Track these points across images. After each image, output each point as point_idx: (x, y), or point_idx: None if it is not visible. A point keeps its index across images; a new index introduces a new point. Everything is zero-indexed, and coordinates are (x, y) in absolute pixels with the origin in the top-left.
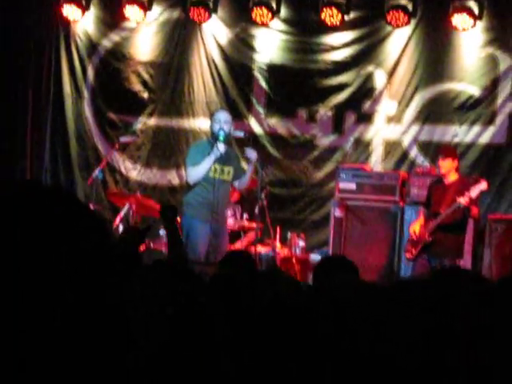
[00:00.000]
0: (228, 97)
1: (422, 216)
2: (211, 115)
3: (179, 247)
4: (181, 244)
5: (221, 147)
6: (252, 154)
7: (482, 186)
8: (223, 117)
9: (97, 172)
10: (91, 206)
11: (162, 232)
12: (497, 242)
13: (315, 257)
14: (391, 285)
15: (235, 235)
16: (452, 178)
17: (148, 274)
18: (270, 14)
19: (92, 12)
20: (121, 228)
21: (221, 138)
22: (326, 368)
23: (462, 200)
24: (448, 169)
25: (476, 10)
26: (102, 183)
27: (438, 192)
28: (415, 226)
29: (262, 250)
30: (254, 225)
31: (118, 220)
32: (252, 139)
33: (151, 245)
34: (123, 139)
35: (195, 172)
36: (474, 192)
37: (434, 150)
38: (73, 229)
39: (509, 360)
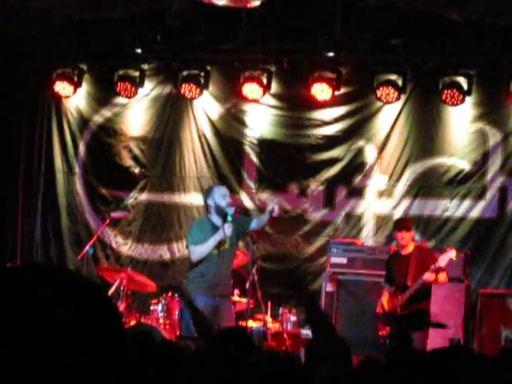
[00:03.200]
0: (219, 172)
1: (385, 292)
2: (209, 189)
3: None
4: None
5: (227, 230)
6: (275, 206)
7: (451, 254)
8: (225, 192)
9: (88, 247)
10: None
11: (153, 307)
12: (488, 317)
13: (306, 332)
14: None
15: None
16: (410, 248)
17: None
18: (260, 90)
19: (84, 88)
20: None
21: (229, 218)
22: None
23: (428, 277)
24: (409, 240)
25: (465, 86)
26: (93, 258)
27: (396, 264)
28: (383, 302)
29: (253, 325)
30: (244, 300)
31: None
32: (243, 214)
33: (142, 319)
34: (114, 214)
35: (199, 251)
36: (443, 261)
37: (425, 225)
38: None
39: None
